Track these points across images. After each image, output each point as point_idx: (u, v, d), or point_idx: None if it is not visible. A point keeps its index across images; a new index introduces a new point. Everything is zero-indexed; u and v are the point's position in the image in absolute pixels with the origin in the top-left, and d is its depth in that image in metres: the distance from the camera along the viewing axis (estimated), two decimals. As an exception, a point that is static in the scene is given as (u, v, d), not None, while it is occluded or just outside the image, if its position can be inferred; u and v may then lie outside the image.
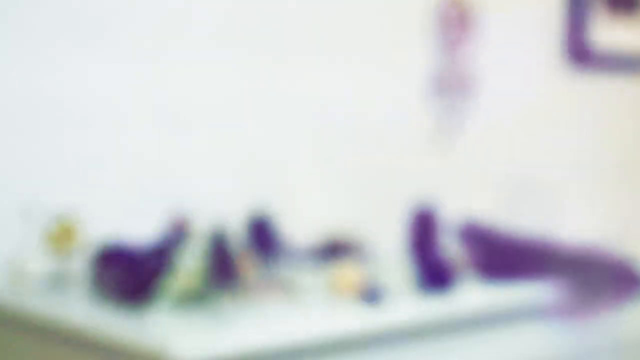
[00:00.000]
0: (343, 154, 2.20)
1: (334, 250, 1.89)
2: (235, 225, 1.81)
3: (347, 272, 1.60)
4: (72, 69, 1.79)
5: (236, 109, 2.04)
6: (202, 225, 1.62)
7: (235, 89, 2.03)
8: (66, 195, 1.75)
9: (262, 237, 1.85)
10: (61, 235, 1.59)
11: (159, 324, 1.34)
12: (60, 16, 1.76)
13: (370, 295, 1.51)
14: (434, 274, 1.60)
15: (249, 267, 1.66)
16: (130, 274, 1.42)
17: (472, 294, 1.61)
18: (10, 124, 1.72)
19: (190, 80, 1.96)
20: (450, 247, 1.86)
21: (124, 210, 1.82)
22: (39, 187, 1.72)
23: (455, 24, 2.37)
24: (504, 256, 1.70)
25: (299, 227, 1.99)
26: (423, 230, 1.89)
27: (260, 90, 2.07)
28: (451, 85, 2.38)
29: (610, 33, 2.66)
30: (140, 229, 1.58)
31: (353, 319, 1.44)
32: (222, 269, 1.55)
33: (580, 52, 2.60)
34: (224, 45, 2.01)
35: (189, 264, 1.47)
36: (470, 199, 1.94)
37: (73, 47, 1.79)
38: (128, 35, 1.85)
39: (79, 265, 1.60)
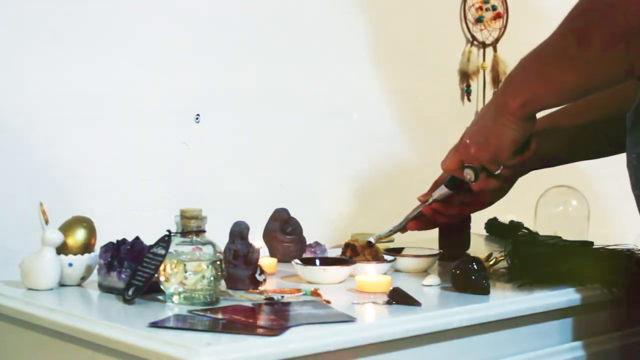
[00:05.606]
0: (368, 155, 2.15)
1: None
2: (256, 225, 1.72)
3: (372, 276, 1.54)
4: (76, 67, 1.74)
5: (254, 107, 1.97)
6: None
7: (252, 87, 1.96)
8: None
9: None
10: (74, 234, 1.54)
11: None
12: (62, 15, 1.72)
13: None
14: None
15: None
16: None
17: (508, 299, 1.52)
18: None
19: (206, 78, 1.90)
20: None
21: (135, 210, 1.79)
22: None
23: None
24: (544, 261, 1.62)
25: (321, 229, 1.94)
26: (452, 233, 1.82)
27: (281, 88, 2.01)
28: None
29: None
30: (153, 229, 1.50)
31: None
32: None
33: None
34: (238, 42, 1.94)
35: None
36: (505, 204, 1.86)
37: (77, 46, 1.74)
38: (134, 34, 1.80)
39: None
